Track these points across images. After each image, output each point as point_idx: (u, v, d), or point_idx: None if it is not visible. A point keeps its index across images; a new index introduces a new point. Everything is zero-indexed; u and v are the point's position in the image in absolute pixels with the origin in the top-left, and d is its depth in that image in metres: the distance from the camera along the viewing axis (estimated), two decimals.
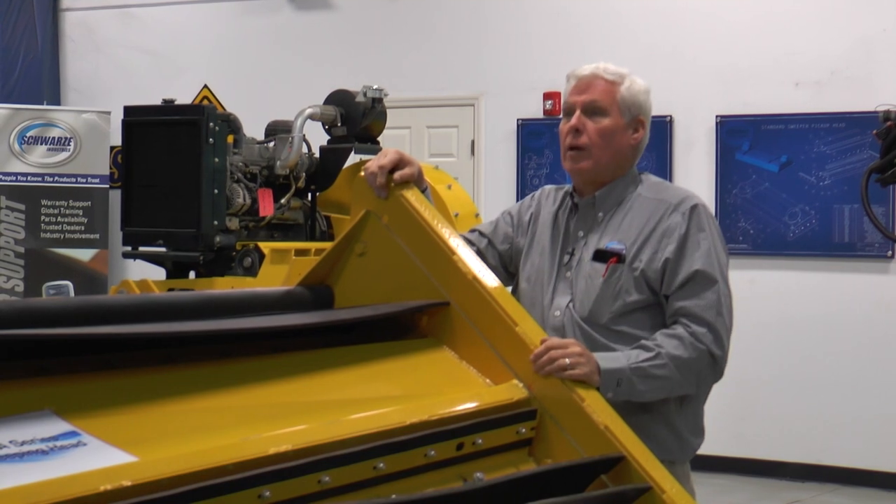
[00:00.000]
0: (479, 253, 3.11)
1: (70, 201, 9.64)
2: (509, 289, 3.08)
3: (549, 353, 2.55)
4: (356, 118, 6.59)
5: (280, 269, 6.07)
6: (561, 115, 3.16)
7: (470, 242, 3.13)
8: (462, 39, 9.16)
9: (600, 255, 3.04)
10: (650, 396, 2.90)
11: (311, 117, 6.50)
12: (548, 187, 3.28)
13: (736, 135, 8.34)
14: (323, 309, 2.71)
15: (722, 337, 2.98)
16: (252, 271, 6.16)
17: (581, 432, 2.41)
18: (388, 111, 6.76)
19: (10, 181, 9.54)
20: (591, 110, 3.06)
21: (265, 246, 6.25)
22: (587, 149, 3.05)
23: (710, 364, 2.95)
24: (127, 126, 6.43)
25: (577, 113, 3.06)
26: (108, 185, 9.70)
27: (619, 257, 3.02)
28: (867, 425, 7.94)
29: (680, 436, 3.05)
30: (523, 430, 2.43)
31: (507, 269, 3.23)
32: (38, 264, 9.46)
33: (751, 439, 8.24)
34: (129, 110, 6.52)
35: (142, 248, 6.44)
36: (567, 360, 2.55)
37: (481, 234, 3.23)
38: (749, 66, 8.29)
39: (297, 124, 6.46)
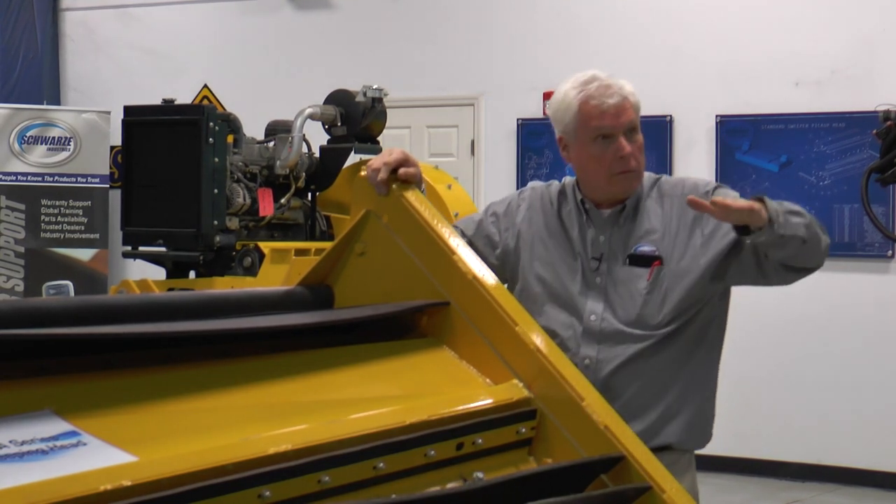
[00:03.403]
0: None
1: (70, 201, 9.64)
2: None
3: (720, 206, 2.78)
4: (356, 118, 6.59)
5: (280, 269, 6.07)
6: (591, 138, 3.08)
7: None
8: (462, 39, 9.16)
9: (637, 260, 3.06)
10: (795, 242, 2.94)
11: (311, 117, 6.51)
12: (537, 186, 3.25)
13: (736, 135, 8.34)
14: (323, 309, 2.71)
15: None
16: (252, 271, 6.17)
17: (581, 432, 2.41)
18: (388, 111, 6.76)
19: (10, 181, 9.54)
20: (630, 130, 3.08)
21: (265, 246, 6.26)
22: (637, 170, 3.10)
23: (824, 232, 3.06)
24: (127, 126, 6.43)
25: (622, 138, 3.06)
26: (108, 185, 9.70)
27: (660, 260, 3.04)
28: (867, 425, 7.94)
29: (708, 424, 3.11)
30: (523, 430, 2.43)
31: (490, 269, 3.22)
32: (38, 264, 9.47)
33: (751, 439, 8.24)
34: (129, 110, 6.53)
35: (142, 248, 6.45)
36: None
37: (462, 233, 3.22)
38: (749, 65, 8.29)
39: (297, 124, 6.46)
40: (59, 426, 1.91)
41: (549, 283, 3.11)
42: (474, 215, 3.29)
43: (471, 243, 3.16)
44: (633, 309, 3.03)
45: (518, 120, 8.90)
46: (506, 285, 3.09)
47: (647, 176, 3.18)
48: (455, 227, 3.18)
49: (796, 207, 2.93)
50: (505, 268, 3.17)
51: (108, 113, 9.61)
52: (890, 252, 7.99)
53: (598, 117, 3.05)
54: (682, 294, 3.02)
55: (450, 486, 2.24)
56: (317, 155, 6.68)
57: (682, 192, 3.09)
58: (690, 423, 3.04)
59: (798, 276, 3.08)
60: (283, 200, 6.50)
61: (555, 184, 3.22)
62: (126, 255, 6.55)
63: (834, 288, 8.07)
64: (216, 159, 6.16)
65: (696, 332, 3.06)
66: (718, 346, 3.15)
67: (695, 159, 8.41)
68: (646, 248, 3.06)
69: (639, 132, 3.09)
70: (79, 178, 9.68)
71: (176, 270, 6.38)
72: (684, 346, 3.04)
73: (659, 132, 8.29)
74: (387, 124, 6.79)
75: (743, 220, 2.84)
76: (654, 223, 3.08)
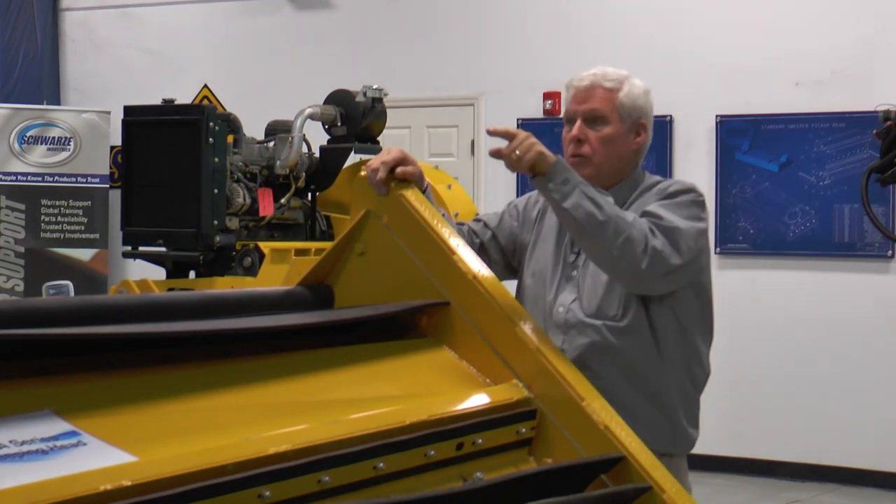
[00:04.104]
0: (482, 245, 3.17)
1: (70, 201, 9.64)
2: (512, 283, 3.10)
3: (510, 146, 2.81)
4: (356, 118, 6.59)
5: (280, 269, 6.07)
6: (563, 122, 3.18)
7: (473, 233, 3.18)
8: (462, 39, 9.16)
9: None
10: (577, 213, 2.87)
11: (311, 117, 6.50)
12: None
13: (736, 135, 8.34)
14: (323, 309, 2.71)
15: (661, 241, 2.93)
16: (252, 271, 6.16)
17: (581, 432, 2.41)
18: (388, 111, 6.76)
19: (10, 181, 9.54)
20: (592, 119, 3.10)
21: (265, 246, 6.25)
22: (589, 157, 3.09)
23: (643, 250, 2.91)
24: (127, 126, 6.43)
25: (579, 122, 3.10)
26: (108, 185, 9.70)
27: None
28: (867, 425, 7.95)
29: (681, 428, 3.07)
30: (523, 430, 2.43)
31: (510, 263, 3.24)
32: (38, 264, 9.47)
33: (751, 439, 8.24)
34: (129, 110, 6.52)
35: (142, 248, 6.44)
36: (518, 151, 2.81)
37: (486, 225, 3.25)
38: (749, 65, 8.29)
39: (297, 124, 6.46)
40: (59, 426, 1.91)
41: (537, 278, 3.14)
42: (497, 210, 3.32)
43: (494, 237, 3.19)
44: (595, 300, 3.05)
45: (518, 120, 8.90)
46: (512, 282, 3.13)
47: (652, 177, 3.20)
48: (476, 221, 3.23)
49: (600, 202, 2.88)
50: (521, 262, 3.21)
51: (108, 113, 9.61)
52: (890, 252, 7.99)
53: (568, 100, 3.15)
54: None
55: (450, 486, 2.24)
56: (317, 155, 6.67)
57: (662, 188, 3.11)
58: (656, 426, 2.98)
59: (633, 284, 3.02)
60: (283, 200, 6.50)
61: None
62: (126, 255, 6.55)
63: (834, 288, 8.08)
64: (216, 159, 6.16)
65: (662, 334, 3.04)
66: (689, 352, 3.11)
67: (695, 159, 8.41)
68: None
69: (606, 124, 3.09)
70: (79, 178, 9.68)
71: (176, 270, 6.37)
72: (650, 346, 3.02)
73: (659, 132, 8.27)
74: (387, 124, 6.79)
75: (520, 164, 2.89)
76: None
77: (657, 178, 3.22)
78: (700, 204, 3.10)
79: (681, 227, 2.98)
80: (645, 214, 3.00)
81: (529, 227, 3.22)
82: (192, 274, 6.40)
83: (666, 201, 3.05)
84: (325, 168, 6.63)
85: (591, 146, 3.09)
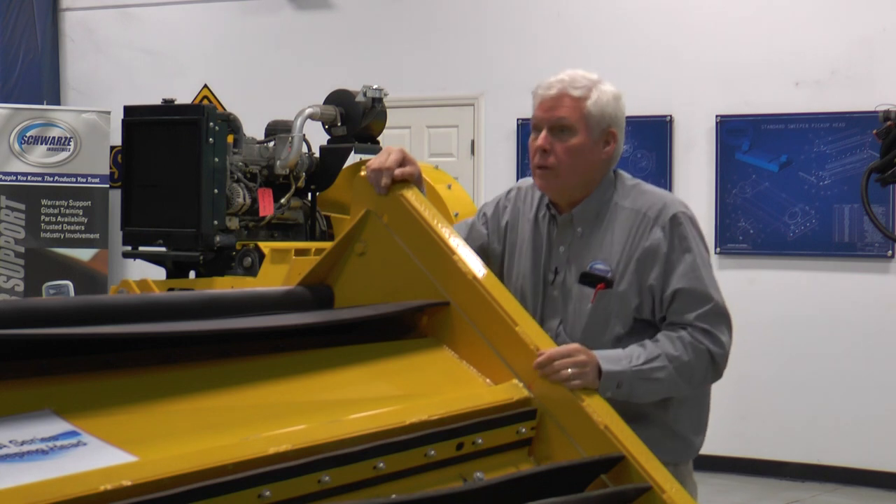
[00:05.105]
0: None
1: (70, 201, 9.64)
2: None
3: (554, 363, 2.54)
4: (356, 118, 6.59)
5: (280, 269, 6.07)
6: (530, 128, 3.06)
7: None
8: (462, 39, 9.16)
9: (587, 279, 2.98)
10: (648, 398, 2.90)
11: (311, 117, 6.50)
12: (523, 185, 3.18)
13: (736, 134, 8.34)
14: (323, 309, 2.71)
15: (720, 339, 2.95)
16: (252, 271, 6.16)
17: (581, 432, 2.42)
18: (388, 111, 6.76)
19: (10, 181, 9.54)
20: (559, 128, 2.98)
21: (265, 246, 6.25)
22: (555, 168, 2.98)
23: (710, 365, 2.94)
24: (127, 126, 6.43)
25: (544, 132, 2.98)
26: (108, 185, 9.70)
27: (606, 282, 2.96)
28: (867, 425, 7.94)
29: (681, 437, 3.04)
30: (523, 430, 2.43)
31: None
32: (38, 264, 9.46)
33: (751, 439, 8.24)
34: (129, 110, 6.52)
35: (142, 248, 6.45)
36: (570, 371, 2.54)
37: None
38: (749, 65, 8.29)
39: (297, 124, 6.46)
40: (59, 426, 1.91)
41: (519, 294, 3.02)
42: (468, 219, 3.24)
43: None
44: (579, 328, 2.98)
45: (518, 120, 8.90)
46: None
47: (621, 179, 3.08)
48: None
49: (655, 373, 2.84)
50: (501, 272, 3.12)
51: (108, 113, 9.61)
52: (890, 252, 7.98)
53: (535, 107, 3.03)
54: (622, 320, 2.96)
55: (450, 486, 2.24)
56: (317, 155, 6.67)
57: (651, 217, 2.99)
58: (659, 439, 2.89)
59: None
60: (283, 200, 6.50)
61: None
62: (126, 255, 6.55)
63: (834, 288, 8.08)
64: (216, 159, 6.16)
65: None
66: None
67: (695, 159, 8.41)
68: (599, 267, 2.98)
69: (574, 134, 2.97)
70: (79, 178, 9.68)
71: (176, 270, 6.37)
72: None
73: (659, 132, 8.29)
74: (387, 124, 6.79)
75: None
76: (615, 239, 3.00)
77: (634, 182, 3.08)
78: (698, 230, 3.03)
79: (716, 297, 2.96)
80: (678, 294, 2.93)
81: (499, 238, 3.12)
82: (192, 274, 6.40)
83: (686, 268, 2.95)
84: (325, 168, 6.63)
85: (556, 157, 2.96)
